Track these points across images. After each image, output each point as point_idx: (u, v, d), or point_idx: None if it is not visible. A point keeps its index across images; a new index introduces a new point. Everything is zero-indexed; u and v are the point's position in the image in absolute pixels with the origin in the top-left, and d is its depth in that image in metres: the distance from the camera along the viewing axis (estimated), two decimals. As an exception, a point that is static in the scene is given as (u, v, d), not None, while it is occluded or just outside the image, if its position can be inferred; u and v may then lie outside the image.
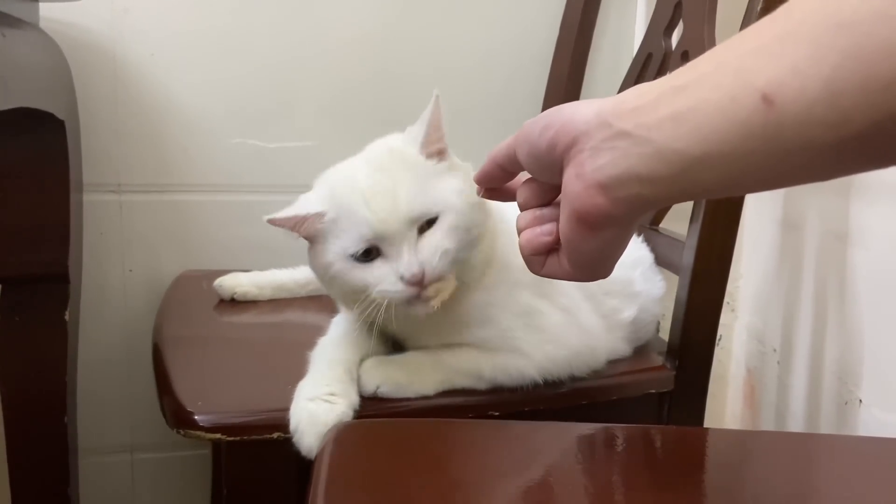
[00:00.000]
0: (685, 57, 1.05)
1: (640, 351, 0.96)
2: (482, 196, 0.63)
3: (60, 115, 0.97)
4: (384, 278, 0.74)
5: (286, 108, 1.29)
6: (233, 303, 1.09)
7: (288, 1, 1.26)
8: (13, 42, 0.87)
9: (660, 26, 1.13)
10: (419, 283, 0.73)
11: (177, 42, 1.23)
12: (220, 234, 1.29)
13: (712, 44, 1.00)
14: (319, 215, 0.76)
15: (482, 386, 0.81)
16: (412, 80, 1.32)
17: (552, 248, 0.54)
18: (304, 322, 1.04)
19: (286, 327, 1.04)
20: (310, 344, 0.84)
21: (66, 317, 1.04)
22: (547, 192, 0.55)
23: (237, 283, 1.09)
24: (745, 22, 0.89)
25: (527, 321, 0.82)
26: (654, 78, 1.16)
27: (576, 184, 0.47)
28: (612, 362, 0.89)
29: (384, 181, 0.75)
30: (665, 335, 0.96)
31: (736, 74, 0.39)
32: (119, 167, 1.24)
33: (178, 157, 1.26)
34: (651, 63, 1.15)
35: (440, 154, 0.78)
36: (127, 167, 1.25)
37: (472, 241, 0.77)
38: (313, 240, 0.78)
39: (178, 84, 1.25)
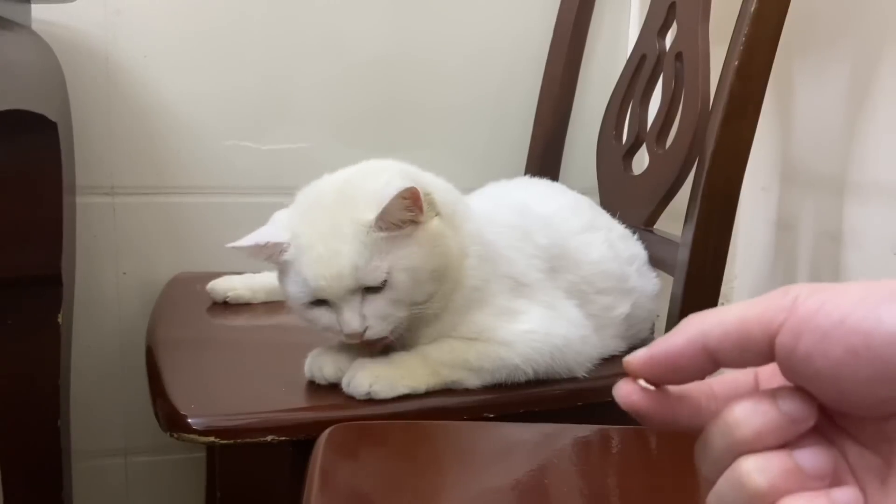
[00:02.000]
0: (679, 58, 1.05)
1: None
2: (639, 405, 0.35)
3: (53, 117, 0.97)
4: (330, 326, 0.79)
5: (279, 110, 1.28)
6: (226, 305, 1.08)
7: (280, 2, 1.26)
8: (5, 44, 0.87)
9: (654, 27, 1.13)
10: (358, 340, 0.77)
11: (169, 44, 1.23)
12: (213, 237, 1.28)
13: (706, 45, 1.01)
14: (279, 245, 0.78)
15: (472, 379, 0.81)
16: (406, 80, 1.32)
17: None
18: (297, 325, 1.04)
19: (279, 330, 1.03)
20: (303, 346, 0.84)
21: (60, 319, 1.04)
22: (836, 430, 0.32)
23: (230, 286, 1.09)
24: (739, 23, 0.89)
25: (506, 318, 0.83)
26: (648, 79, 1.17)
27: None
28: (608, 363, 0.89)
29: (335, 246, 0.76)
30: (660, 336, 0.96)
31: None
32: (112, 169, 1.24)
33: (171, 159, 1.26)
34: (645, 64, 1.15)
35: (407, 222, 0.76)
36: (120, 169, 1.24)
37: (422, 303, 0.78)
38: (276, 266, 0.82)
39: (172, 86, 1.24)
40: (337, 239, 0.76)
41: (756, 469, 0.30)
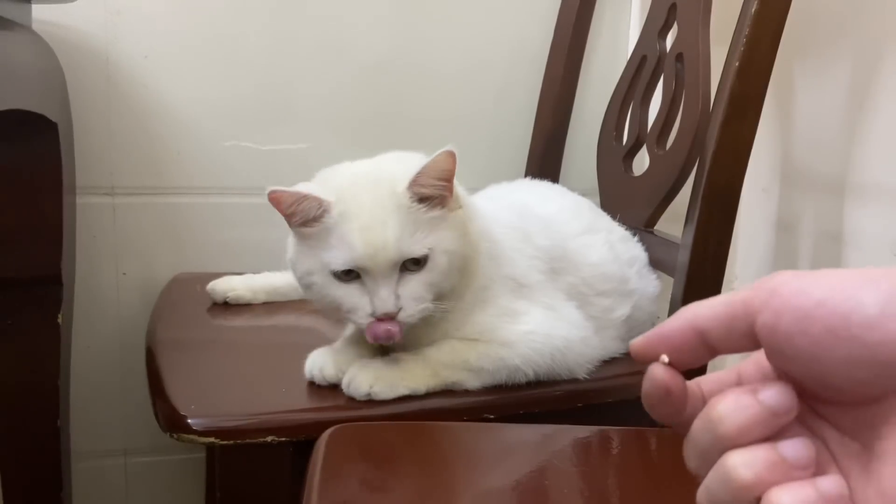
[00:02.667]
0: (679, 59, 1.05)
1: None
2: (667, 380, 0.35)
3: (53, 118, 0.96)
4: (357, 308, 0.77)
5: (279, 110, 1.28)
6: (226, 306, 1.08)
7: (280, 3, 1.26)
8: (5, 44, 0.87)
9: (654, 28, 1.13)
10: (389, 320, 0.75)
11: (170, 44, 1.23)
12: (213, 237, 1.28)
13: (707, 46, 1.01)
14: (320, 203, 0.76)
15: (472, 380, 0.81)
16: (406, 82, 1.32)
17: None
18: (297, 325, 1.04)
19: (280, 330, 1.03)
20: (303, 347, 0.84)
21: (60, 320, 1.04)
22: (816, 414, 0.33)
23: (230, 286, 1.09)
24: (740, 24, 0.89)
25: (508, 319, 0.83)
26: (649, 80, 1.17)
27: None
28: (608, 364, 0.89)
29: (381, 214, 0.76)
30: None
31: None
32: (112, 169, 1.24)
33: (171, 159, 1.26)
34: (645, 65, 1.15)
35: (436, 200, 0.78)
36: (120, 169, 1.24)
37: (447, 292, 0.79)
38: (303, 235, 0.78)
39: (172, 86, 1.24)
40: (382, 210, 0.76)
41: (742, 463, 0.31)
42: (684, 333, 0.34)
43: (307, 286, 0.80)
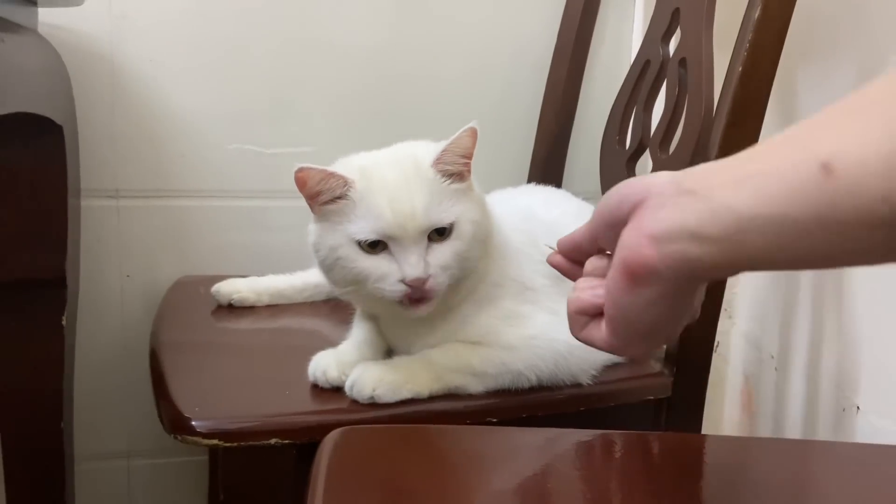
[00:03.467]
0: (683, 64, 1.05)
1: (638, 357, 0.96)
2: (552, 258, 0.60)
3: (58, 120, 0.97)
4: (386, 277, 0.77)
5: (284, 113, 1.29)
6: (230, 308, 1.09)
7: (286, 7, 1.26)
8: (11, 47, 0.87)
9: (657, 33, 1.13)
10: (419, 287, 0.76)
11: (174, 48, 1.23)
12: (217, 240, 1.28)
13: (710, 51, 1.01)
14: (344, 180, 0.78)
15: (475, 384, 0.81)
16: (409, 86, 1.32)
17: (598, 312, 0.54)
18: (301, 328, 1.04)
19: (284, 333, 1.04)
20: (307, 349, 0.84)
21: (64, 322, 1.04)
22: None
23: (235, 288, 1.09)
24: (743, 29, 0.89)
25: (512, 322, 0.83)
26: (652, 84, 1.17)
27: (630, 234, 0.47)
28: (611, 369, 0.89)
29: (407, 186, 0.78)
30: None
31: (802, 144, 0.40)
32: (117, 172, 1.24)
33: (175, 162, 1.26)
34: (649, 70, 1.15)
35: (456, 176, 0.80)
36: (124, 172, 1.24)
37: (472, 266, 0.80)
38: (327, 214, 0.80)
39: (176, 89, 1.25)
40: (407, 183, 0.78)
41: (582, 280, 0.56)
42: (571, 244, 0.58)
43: (332, 264, 0.80)
